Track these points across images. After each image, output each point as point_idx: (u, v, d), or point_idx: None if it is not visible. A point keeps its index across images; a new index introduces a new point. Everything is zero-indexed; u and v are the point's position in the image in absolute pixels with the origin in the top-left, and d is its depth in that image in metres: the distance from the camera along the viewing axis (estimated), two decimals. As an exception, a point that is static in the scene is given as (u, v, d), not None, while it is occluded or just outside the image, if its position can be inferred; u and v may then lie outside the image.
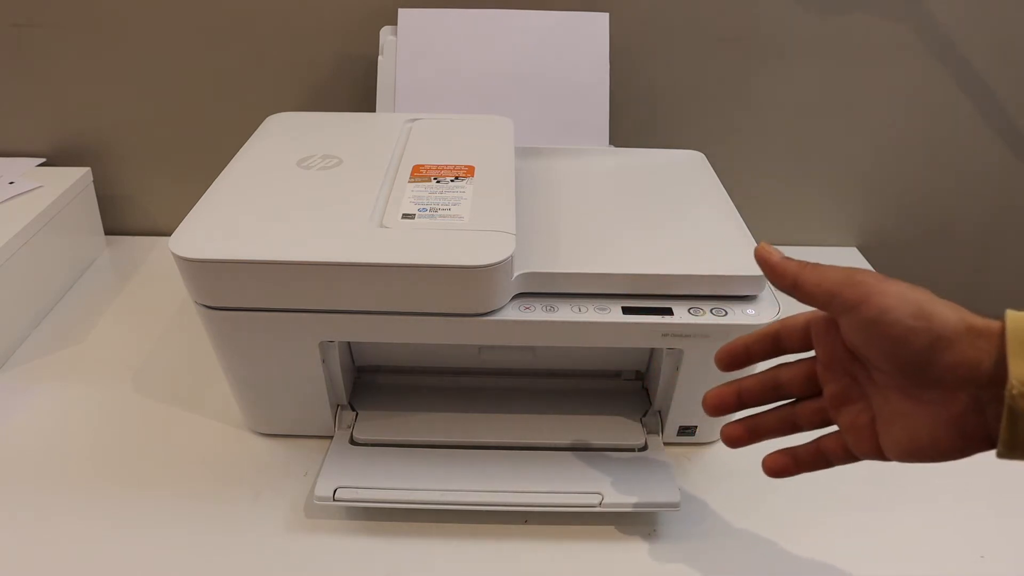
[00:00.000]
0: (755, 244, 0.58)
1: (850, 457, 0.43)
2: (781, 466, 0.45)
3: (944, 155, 0.91)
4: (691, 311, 0.54)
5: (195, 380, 0.70)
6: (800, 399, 0.45)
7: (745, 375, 0.47)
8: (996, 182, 0.92)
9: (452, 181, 0.59)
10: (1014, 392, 0.33)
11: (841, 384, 0.42)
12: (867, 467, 0.62)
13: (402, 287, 0.51)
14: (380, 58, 0.78)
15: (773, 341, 0.45)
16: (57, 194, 0.80)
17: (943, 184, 0.93)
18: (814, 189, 0.93)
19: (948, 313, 0.36)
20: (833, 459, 0.44)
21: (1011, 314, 0.35)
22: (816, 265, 0.41)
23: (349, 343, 0.62)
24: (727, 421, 0.48)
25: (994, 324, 0.35)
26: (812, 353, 0.45)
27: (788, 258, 0.42)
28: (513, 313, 0.53)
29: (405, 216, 0.55)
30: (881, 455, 0.41)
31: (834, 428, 0.44)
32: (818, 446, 0.44)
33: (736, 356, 0.46)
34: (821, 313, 0.43)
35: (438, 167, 0.61)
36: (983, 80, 0.86)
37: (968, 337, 0.35)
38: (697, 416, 0.62)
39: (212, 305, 0.53)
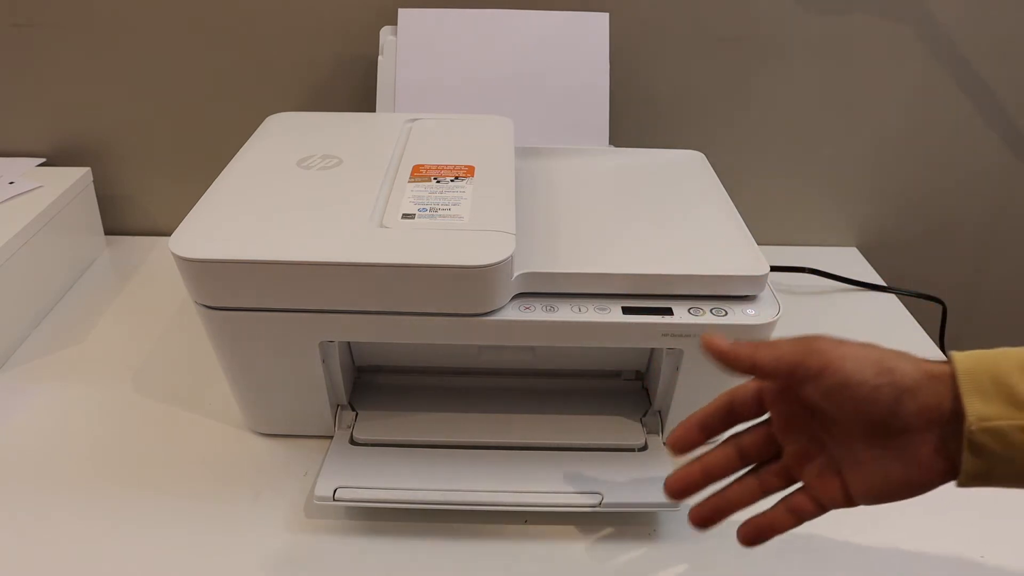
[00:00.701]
0: (755, 244, 0.58)
1: (820, 509, 0.43)
2: (756, 533, 0.45)
3: (944, 155, 0.91)
4: (691, 311, 0.54)
5: (195, 380, 0.70)
6: (761, 464, 0.45)
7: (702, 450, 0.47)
8: (996, 182, 0.92)
9: (452, 181, 0.59)
10: (972, 428, 0.36)
11: (801, 442, 0.43)
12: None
13: (402, 287, 0.51)
14: (380, 58, 0.78)
15: (727, 412, 0.45)
16: (57, 194, 0.80)
17: (943, 184, 0.93)
18: (814, 189, 0.93)
19: (906, 365, 0.38)
20: (804, 515, 0.44)
21: (956, 356, 0.38)
22: (768, 343, 0.42)
23: (349, 343, 0.62)
24: (691, 503, 0.47)
25: (947, 368, 0.38)
26: (767, 416, 0.45)
27: (738, 342, 0.42)
28: (513, 313, 0.53)
29: (405, 216, 0.55)
30: (851, 502, 0.42)
31: (800, 485, 0.44)
32: (788, 505, 0.44)
33: (690, 438, 0.45)
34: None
35: (438, 167, 0.61)
36: (983, 80, 0.86)
37: (928, 383, 0.38)
38: (697, 416, 0.62)
39: (212, 305, 0.53)
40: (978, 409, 0.36)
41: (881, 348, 0.39)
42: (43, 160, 0.87)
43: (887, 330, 0.80)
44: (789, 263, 0.86)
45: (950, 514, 0.59)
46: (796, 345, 0.40)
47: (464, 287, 0.51)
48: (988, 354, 0.37)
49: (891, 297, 0.85)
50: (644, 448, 0.61)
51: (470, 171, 0.61)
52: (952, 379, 0.37)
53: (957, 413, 0.37)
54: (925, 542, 0.56)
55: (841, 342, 0.40)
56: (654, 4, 0.82)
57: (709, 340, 0.43)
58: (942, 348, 0.82)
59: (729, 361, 0.42)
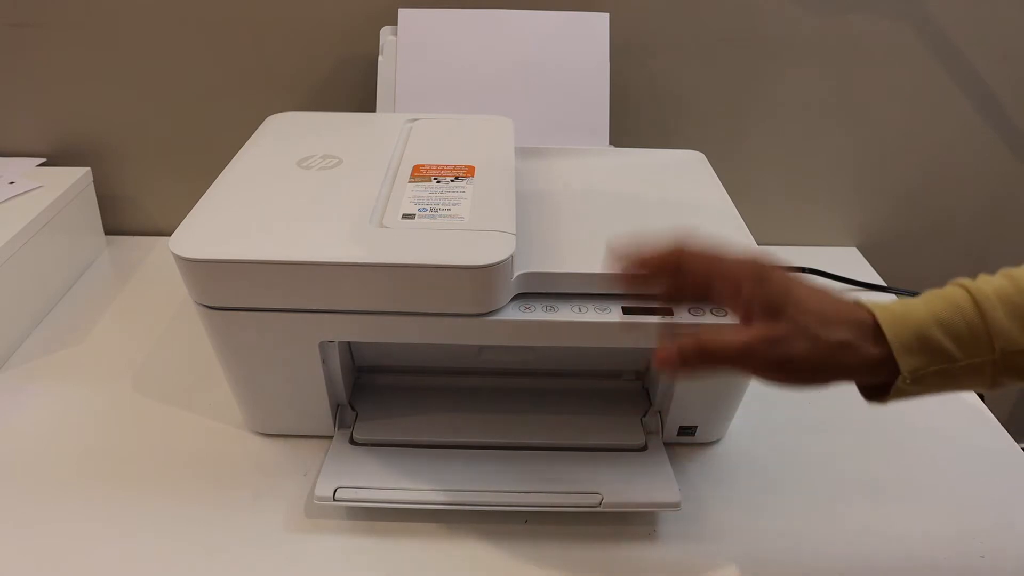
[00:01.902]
0: (755, 244, 0.58)
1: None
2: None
3: (944, 155, 0.91)
4: (691, 311, 0.54)
5: (195, 380, 0.70)
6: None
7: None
8: (995, 182, 0.92)
9: (452, 181, 0.59)
10: (907, 379, 0.40)
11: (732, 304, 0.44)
12: (867, 468, 0.63)
13: (402, 287, 0.51)
14: (380, 58, 0.78)
15: (674, 269, 0.44)
16: (57, 194, 0.80)
17: (943, 184, 0.93)
18: (814, 189, 0.93)
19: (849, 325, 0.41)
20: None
21: (879, 316, 0.40)
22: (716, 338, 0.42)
23: (349, 343, 0.62)
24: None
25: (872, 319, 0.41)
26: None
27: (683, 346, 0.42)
28: (513, 313, 0.53)
29: (405, 216, 0.55)
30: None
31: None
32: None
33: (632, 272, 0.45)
34: (727, 274, 0.43)
35: (438, 167, 0.61)
36: (983, 80, 0.86)
37: (864, 344, 0.41)
38: (697, 416, 0.62)
39: (212, 305, 0.53)
40: (907, 363, 0.39)
41: (828, 302, 0.41)
42: (43, 160, 0.87)
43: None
44: (789, 263, 0.86)
45: (950, 514, 0.59)
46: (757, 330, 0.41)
47: (464, 287, 0.51)
48: (906, 311, 0.40)
49: (891, 297, 0.85)
50: (644, 448, 0.61)
51: (470, 171, 0.61)
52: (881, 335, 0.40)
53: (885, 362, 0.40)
54: (925, 542, 0.56)
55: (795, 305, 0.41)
56: (654, 4, 0.82)
57: (666, 357, 0.42)
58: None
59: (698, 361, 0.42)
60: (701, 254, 0.43)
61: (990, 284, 0.40)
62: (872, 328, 0.40)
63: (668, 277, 0.44)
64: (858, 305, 0.41)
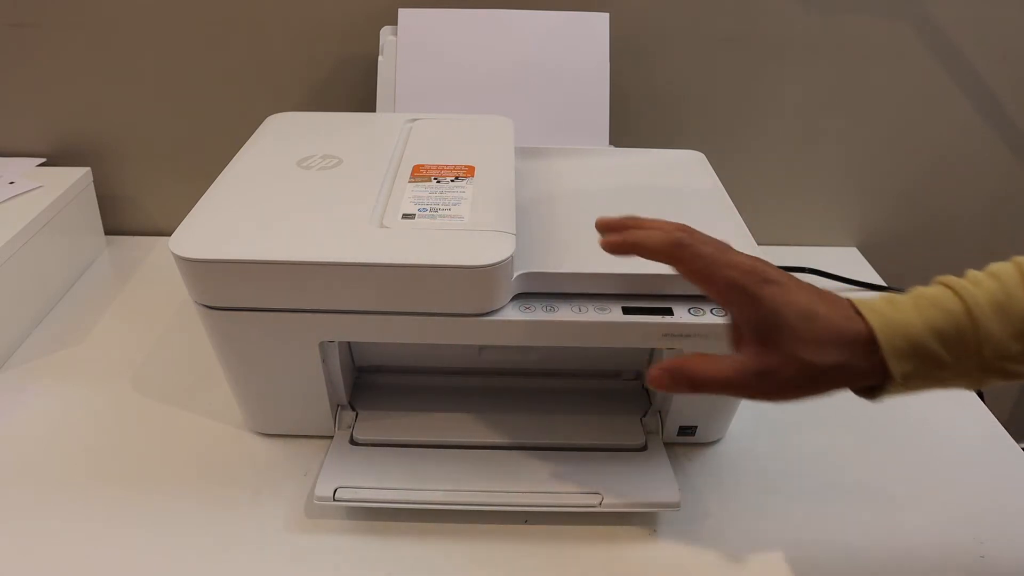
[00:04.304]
0: (755, 244, 0.58)
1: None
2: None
3: (943, 155, 0.91)
4: (691, 311, 0.54)
5: (195, 380, 0.70)
6: None
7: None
8: (995, 182, 0.92)
9: (452, 181, 0.59)
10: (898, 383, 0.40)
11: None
12: (867, 467, 0.63)
13: (402, 287, 0.51)
14: (380, 58, 0.78)
15: (667, 260, 0.44)
16: (57, 194, 0.80)
17: (943, 183, 0.93)
18: (814, 189, 0.93)
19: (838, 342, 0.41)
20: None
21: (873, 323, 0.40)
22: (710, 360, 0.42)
23: (349, 343, 0.62)
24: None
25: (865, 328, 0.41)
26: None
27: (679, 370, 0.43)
28: (513, 313, 0.53)
29: (405, 216, 0.55)
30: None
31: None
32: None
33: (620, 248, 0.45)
34: (720, 288, 0.42)
35: (438, 167, 0.61)
36: (983, 80, 0.86)
37: (857, 359, 0.41)
38: (697, 416, 0.62)
39: (212, 305, 0.53)
40: (899, 368, 0.40)
41: (817, 312, 0.41)
42: (43, 160, 0.87)
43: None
44: (789, 263, 0.86)
45: (950, 514, 0.59)
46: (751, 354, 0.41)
47: (464, 287, 0.51)
48: (899, 317, 0.40)
49: (891, 297, 0.85)
50: (644, 448, 0.61)
51: (470, 171, 0.61)
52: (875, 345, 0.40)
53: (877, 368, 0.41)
54: (925, 542, 0.56)
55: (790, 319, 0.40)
56: (654, 4, 0.82)
57: (660, 377, 0.43)
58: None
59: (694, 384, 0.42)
60: (697, 258, 0.43)
61: (981, 288, 0.40)
62: (865, 342, 0.40)
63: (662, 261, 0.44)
64: (853, 316, 0.41)
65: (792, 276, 0.43)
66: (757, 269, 0.42)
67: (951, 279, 0.41)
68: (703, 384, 0.42)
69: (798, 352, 0.40)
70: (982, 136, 0.89)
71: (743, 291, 0.41)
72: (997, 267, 0.41)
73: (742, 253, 0.43)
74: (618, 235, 0.45)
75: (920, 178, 0.92)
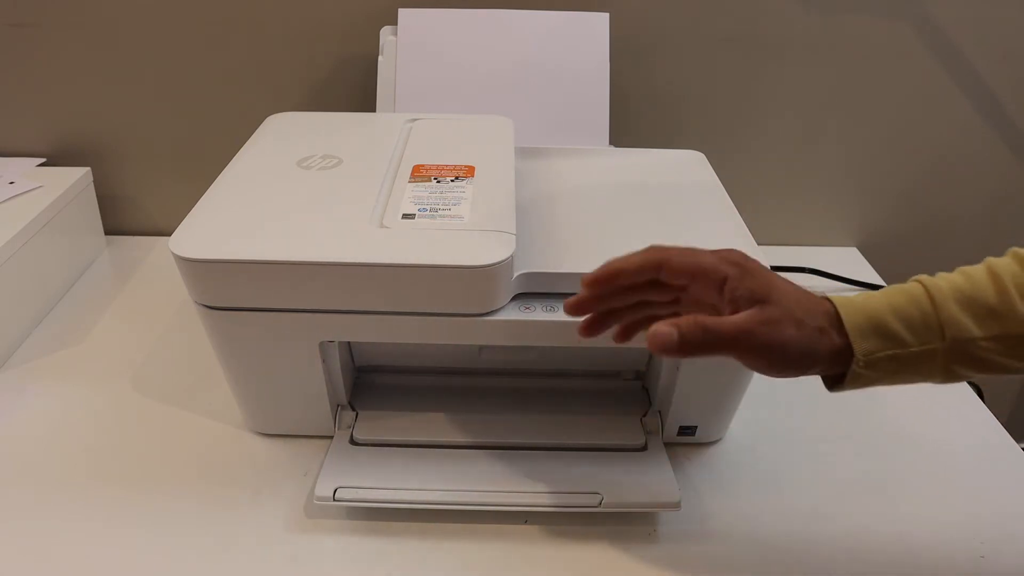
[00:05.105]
0: (755, 244, 0.58)
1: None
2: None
3: (943, 155, 0.91)
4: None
5: (195, 380, 0.70)
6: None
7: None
8: (995, 182, 0.92)
9: (452, 181, 0.59)
10: (860, 362, 0.42)
11: (703, 308, 0.44)
12: (867, 467, 0.63)
13: (402, 287, 0.51)
14: (380, 58, 0.78)
15: (653, 272, 0.44)
16: (57, 194, 0.80)
17: (943, 183, 0.93)
18: (814, 189, 0.93)
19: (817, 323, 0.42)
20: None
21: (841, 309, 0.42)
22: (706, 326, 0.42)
23: (349, 343, 0.62)
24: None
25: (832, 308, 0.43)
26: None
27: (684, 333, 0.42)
28: (513, 313, 0.53)
29: (405, 216, 0.55)
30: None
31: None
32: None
33: (587, 307, 0.46)
34: (712, 269, 0.43)
35: (438, 167, 0.61)
36: (983, 80, 0.86)
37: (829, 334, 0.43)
38: (697, 416, 0.62)
39: (212, 305, 0.53)
40: (861, 345, 0.42)
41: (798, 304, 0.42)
42: (43, 160, 0.87)
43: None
44: (789, 263, 0.86)
45: (950, 514, 0.59)
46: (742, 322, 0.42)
47: (464, 287, 0.51)
48: (864, 300, 0.43)
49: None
50: (644, 448, 0.61)
51: (470, 171, 0.61)
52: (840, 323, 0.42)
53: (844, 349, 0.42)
54: (925, 542, 0.56)
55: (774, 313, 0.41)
56: (654, 4, 0.82)
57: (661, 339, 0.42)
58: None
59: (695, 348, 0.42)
60: (681, 254, 0.44)
61: (945, 279, 0.43)
62: (835, 317, 0.42)
63: (647, 283, 0.45)
64: (823, 297, 0.44)
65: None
66: (732, 256, 0.44)
67: (921, 276, 0.44)
68: (715, 332, 0.40)
69: (793, 310, 0.42)
70: (982, 136, 0.89)
71: (733, 263, 0.43)
72: (968, 268, 0.44)
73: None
74: (592, 294, 0.46)
75: (920, 178, 0.92)
